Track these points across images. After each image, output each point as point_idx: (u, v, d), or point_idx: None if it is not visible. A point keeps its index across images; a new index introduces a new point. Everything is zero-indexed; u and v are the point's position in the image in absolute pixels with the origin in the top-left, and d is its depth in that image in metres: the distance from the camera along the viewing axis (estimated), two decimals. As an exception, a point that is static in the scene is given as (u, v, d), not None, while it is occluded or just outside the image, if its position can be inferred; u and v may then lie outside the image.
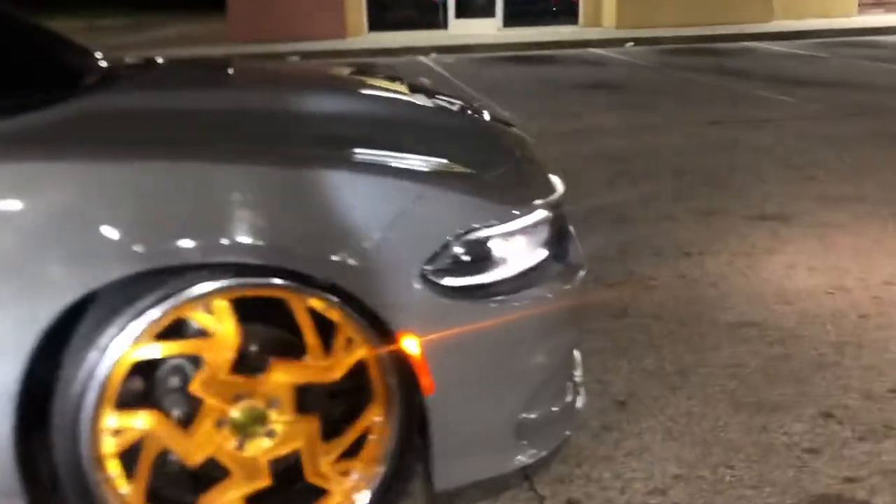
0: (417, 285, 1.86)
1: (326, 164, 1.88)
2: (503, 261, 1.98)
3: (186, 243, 1.74)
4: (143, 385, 1.88)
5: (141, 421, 1.84)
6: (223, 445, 1.89)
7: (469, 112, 2.71)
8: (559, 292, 2.10)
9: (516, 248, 2.02)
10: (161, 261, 1.73)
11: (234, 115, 2.11)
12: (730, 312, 3.54)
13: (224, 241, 1.76)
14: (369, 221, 1.84)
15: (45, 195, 1.69)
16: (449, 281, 1.90)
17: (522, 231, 2.02)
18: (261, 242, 1.78)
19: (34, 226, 1.68)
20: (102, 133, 1.88)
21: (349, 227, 1.83)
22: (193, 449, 1.88)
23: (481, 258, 1.94)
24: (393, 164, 1.96)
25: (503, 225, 1.97)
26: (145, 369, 1.87)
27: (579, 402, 2.35)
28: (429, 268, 1.87)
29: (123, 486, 1.84)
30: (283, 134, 2.09)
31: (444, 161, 2.08)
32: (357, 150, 1.98)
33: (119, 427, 1.83)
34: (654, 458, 2.52)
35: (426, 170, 1.99)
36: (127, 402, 1.84)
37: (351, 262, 1.83)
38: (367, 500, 2.00)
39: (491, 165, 2.20)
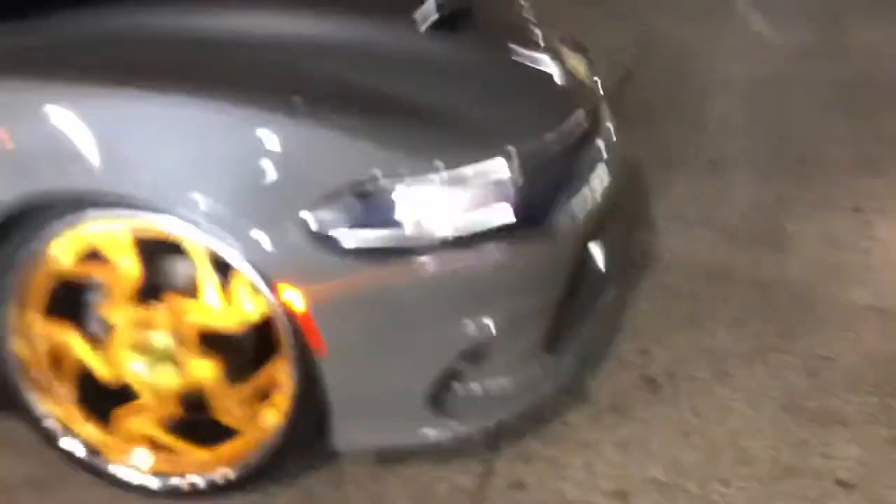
0: (298, 235, 1.72)
1: (199, 96, 1.77)
2: (413, 219, 1.77)
3: (73, 172, 1.76)
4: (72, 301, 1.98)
5: (58, 331, 1.96)
6: (131, 369, 1.96)
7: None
8: (507, 255, 1.85)
9: (435, 205, 1.79)
10: (55, 186, 1.78)
11: (172, 42, 2.05)
12: (861, 291, 2.90)
13: (108, 175, 1.75)
14: (246, 161, 1.73)
15: None
16: (340, 234, 1.74)
17: (448, 185, 1.79)
18: (140, 179, 1.75)
19: None
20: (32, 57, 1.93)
21: (222, 167, 1.74)
22: (104, 367, 1.97)
23: (382, 213, 1.75)
24: (276, 102, 1.77)
25: (415, 177, 1.75)
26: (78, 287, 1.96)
27: (548, 383, 2.10)
28: (313, 217, 1.72)
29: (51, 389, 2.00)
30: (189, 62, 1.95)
31: (379, 101, 1.87)
32: (263, 86, 1.83)
33: (41, 333, 1.96)
34: (645, 454, 2.18)
35: (324, 110, 1.80)
36: (57, 313, 1.96)
37: (225, 205, 1.74)
38: (273, 447, 1.96)
39: (447, 109, 1.94)
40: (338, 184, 1.72)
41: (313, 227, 1.72)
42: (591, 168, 2.18)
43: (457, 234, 1.81)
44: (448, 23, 2.33)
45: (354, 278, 1.76)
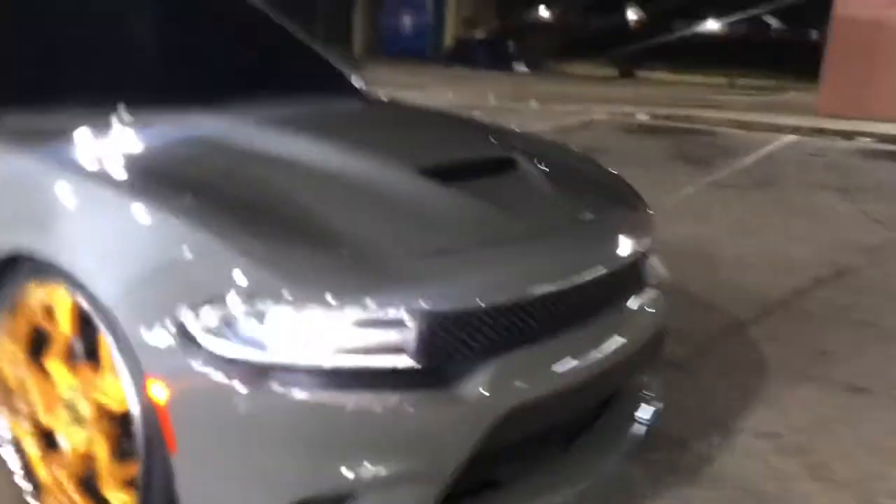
0: (172, 334, 1.77)
1: (125, 189, 1.96)
2: (281, 342, 1.74)
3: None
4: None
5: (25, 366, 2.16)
6: (58, 419, 2.11)
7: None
8: (385, 406, 1.75)
9: (310, 333, 1.75)
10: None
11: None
12: None
13: (50, 243, 1.97)
14: (148, 253, 1.83)
15: None
16: (209, 340, 1.76)
17: (333, 318, 1.75)
18: (72, 253, 1.93)
19: None
20: None
21: (127, 251, 1.86)
22: (44, 410, 2.15)
23: (253, 329, 1.75)
24: (187, 206, 1.86)
25: (292, 302, 1.73)
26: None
27: None
28: (191, 317, 1.77)
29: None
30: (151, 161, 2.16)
31: (304, 226, 1.89)
32: (203, 195, 1.93)
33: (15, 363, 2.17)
34: None
35: (229, 219, 1.85)
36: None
37: (119, 287, 1.85)
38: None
39: (382, 246, 1.90)
40: (219, 291, 1.75)
41: (188, 326, 1.76)
42: (574, 331, 2.09)
43: (329, 366, 1.76)
44: (481, 170, 2.34)
45: (215, 386, 1.76)
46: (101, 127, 2.34)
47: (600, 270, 2.23)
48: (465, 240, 2.03)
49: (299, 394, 1.73)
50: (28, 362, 2.14)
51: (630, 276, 2.40)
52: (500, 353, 1.93)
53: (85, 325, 1.95)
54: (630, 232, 2.45)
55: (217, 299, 1.73)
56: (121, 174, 2.04)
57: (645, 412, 2.53)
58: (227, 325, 1.74)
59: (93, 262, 1.88)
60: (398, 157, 2.34)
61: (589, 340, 2.15)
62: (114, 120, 2.41)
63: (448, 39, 26.37)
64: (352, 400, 1.75)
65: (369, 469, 1.78)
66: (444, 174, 2.25)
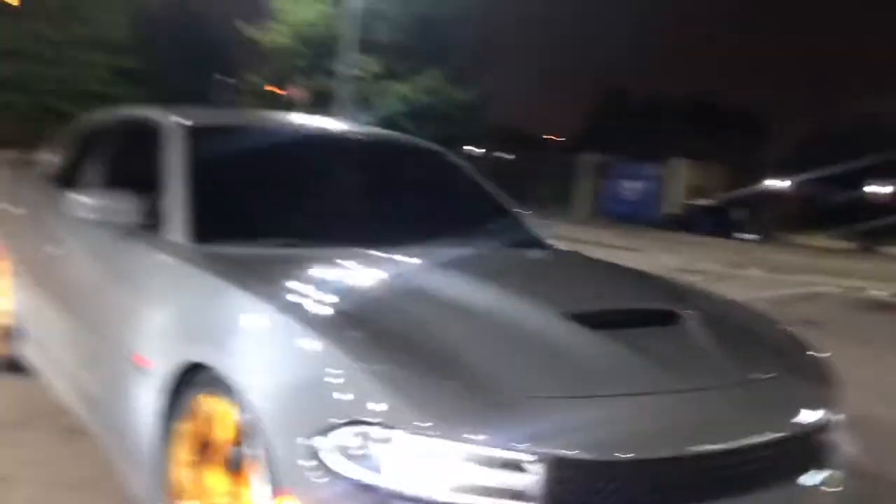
0: (306, 452, 1.83)
1: (295, 319, 2.09)
2: (411, 474, 1.76)
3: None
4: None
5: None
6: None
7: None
8: None
9: (443, 467, 1.75)
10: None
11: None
12: None
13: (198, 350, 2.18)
14: (300, 375, 1.95)
15: None
16: (337, 463, 1.81)
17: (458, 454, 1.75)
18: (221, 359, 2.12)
19: None
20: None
21: (282, 372, 1.98)
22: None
23: (380, 458, 1.78)
24: (347, 338, 1.97)
25: (417, 435, 1.76)
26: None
27: None
28: (323, 441, 1.83)
29: None
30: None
31: (443, 360, 1.94)
32: (346, 321, 2.07)
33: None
34: None
35: (365, 347, 1.93)
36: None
37: (270, 403, 1.96)
38: None
39: (517, 389, 1.90)
40: (352, 416, 1.81)
41: (319, 446, 1.82)
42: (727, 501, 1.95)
43: (446, 502, 1.75)
44: (638, 320, 2.31)
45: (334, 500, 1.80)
46: (291, 260, 2.60)
47: (763, 436, 2.06)
48: (606, 387, 1.98)
49: None
50: (196, 469, 2.30)
51: (803, 449, 2.19)
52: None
53: (241, 438, 2.09)
54: (804, 400, 2.26)
55: (349, 424, 1.80)
56: (296, 304, 2.20)
57: None
58: (354, 449, 1.80)
59: (253, 380, 2.03)
60: (551, 302, 2.36)
61: None
62: (304, 255, 2.66)
63: (672, 206, 26.27)
64: None
65: None
66: (595, 321, 2.24)
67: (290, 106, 25.65)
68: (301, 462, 1.83)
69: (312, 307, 2.16)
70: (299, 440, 1.84)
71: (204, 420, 2.23)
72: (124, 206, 2.80)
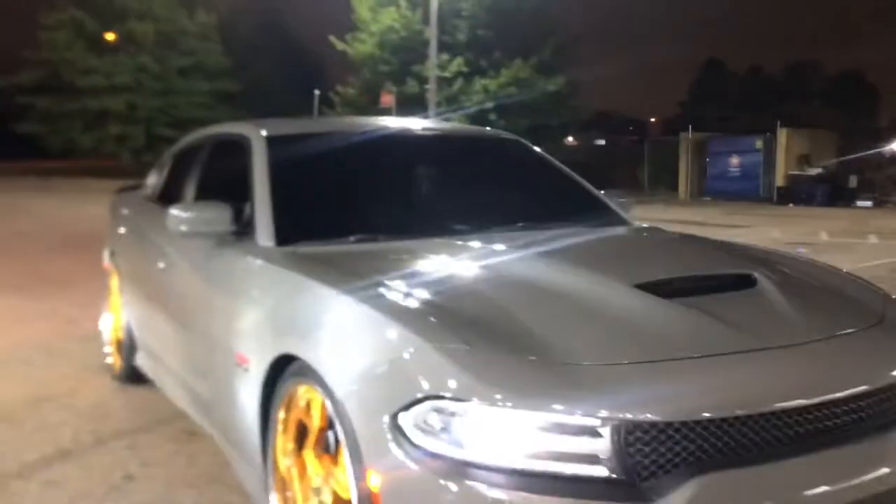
0: (388, 429, 1.90)
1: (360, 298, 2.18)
2: (488, 444, 1.81)
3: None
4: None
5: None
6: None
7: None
8: None
9: (504, 436, 1.79)
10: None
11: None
12: None
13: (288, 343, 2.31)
14: (379, 358, 2.02)
15: None
16: (418, 438, 1.87)
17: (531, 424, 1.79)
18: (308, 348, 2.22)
19: None
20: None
21: (363, 357, 2.06)
22: (300, 497, 2.39)
23: (458, 431, 1.83)
24: (423, 325, 2.03)
25: (491, 407, 1.80)
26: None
27: None
28: (404, 418, 1.89)
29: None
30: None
31: (514, 334, 1.98)
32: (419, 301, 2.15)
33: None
34: None
35: (438, 328, 1.98)
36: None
37: (353, 386, 2.04)
38: None
39: (584, 357, 1.92)
40: (430, 393, 1.87)
41: (402, 423, 1.89)
42: (811, 455, 1.93)
43: (522, 468, 1.78)
44: (713, 287, 2.29)
45: (420, 478, 1.84)
46: (368, 254, 2.71)
47: (846, 391, 2.01)
48: (675, 351, 1.97)
49: (494, 492, 1.77)
50: (295, 454, 2.41)
51: (891, 402, 2.12)
52: (711, 468, 1.81)
53: (332, 422, 2.18)
54: (889, 353, 2.19)
55: (428, 398, 1.86)
56: (372, 293, 2.27)
57: None
58: (433, 424, 1.85)
59: (336, 365, 2.13)
60: (622, 274, 2.37)
61: (833, 467, 1.92)
62: (380, 248, 2.76)
63: (779, 179, 25.27)
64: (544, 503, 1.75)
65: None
66: (667, 290, 2.24)
67: (382, 112, 26.14)
68: (385, 440, 1.90)
69: (388, 295, 2.23)
70: (383, 419, 1.91)
71: (299, 408, 2.33)
72: (216, 216, 2.97)
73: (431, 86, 22.10)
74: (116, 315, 4.66)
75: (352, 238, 2.85)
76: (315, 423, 2.27)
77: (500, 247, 2.74)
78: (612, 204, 3.69)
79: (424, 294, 2.23)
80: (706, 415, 1.84)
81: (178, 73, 34.48)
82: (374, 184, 3.30)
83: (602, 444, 1.78)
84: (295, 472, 2.41)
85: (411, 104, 25.44)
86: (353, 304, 2.21)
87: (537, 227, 3.12)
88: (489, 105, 25.27)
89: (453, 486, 1.80)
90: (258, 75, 39.11)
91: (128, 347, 4.39)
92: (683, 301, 2.20)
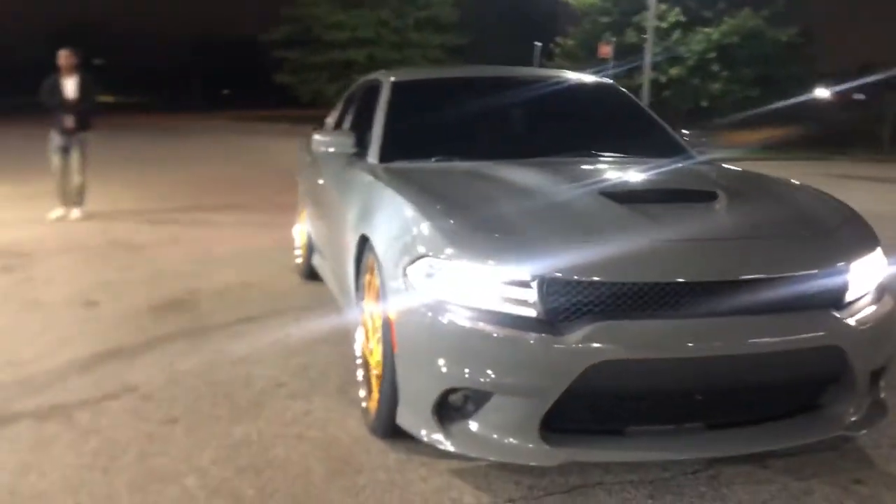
0: (400, 277, 2.85)
1: (397, 194, 3.16)
2: (459, 289, 2.70)
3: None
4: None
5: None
6: (371, 338, 3.35)
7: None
8: (515, 340, 2.62)
9: (479, 284, 2.66)
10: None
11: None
12: None
13: (364, 226, 3.31)
14: (397, 227, 3.02)
15: None
16: (417, 284, 2.79)
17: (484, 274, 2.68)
18: (368, 227, 3.24)
19: None
20: None
21: (390, 228, 3.04)
22: (371, 334, 3.42)
23: (442, 279, 2.75)
24: (423, 206, 2.97)
25: (460, 263, 2.70)
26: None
27: (529, 457, 2.64)
28: (410, 270, 2.83)
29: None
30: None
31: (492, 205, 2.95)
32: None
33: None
34: None
35: (438, 212, 2.89)
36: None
37: (383, 248, 3.05)
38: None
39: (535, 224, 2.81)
40: (425, 252, 2.76)
41: (408, 272, 2.80)
42: (703, 319, 2.61)
43: (482, 307, 2.66)
44: (675, 199, 3.03)
45: (417, 312, 2.75)
46: (437, 169, 3.67)
47: (737, 276, 2.67)
48: (597, 234, 2.73)
49: (463, 322, 2.66)
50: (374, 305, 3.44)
51: (796, 290, 2.72)
52: (608, 318, 2.57)
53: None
54: (810, 252, 2.80)
55: (424, 256, 2.78)
56: (411, 190, 3.21)
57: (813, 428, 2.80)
58: (426, 274, 2.76)
59: (381, 238, 3.11)
60: (599, 184, 3.15)
61: (716, 331, 2.60)
62: (450, 166, 3.69)
63: None
64: (496, 331, 2.61)
65: (502, 378, 2.61)
66: (623, 196, 3.01)
67: (600, 63, 26.36)
68: (398, 284, 2.86)
69: (420, 193, 3.15)
70: (399, 271, 2.86)
71: (372, 274, 3.36)
72: (343, 140, 4.06)
73: (649, 35, 22.03)
74: (302, 226, 5.98)
75: (433, 159, 3.80)
76: (375, 280, 3.28)
77: (536, 167, 3.55)
78: (682, 141, 4.32)
79: (446, 192, 3.15)
80: (607, 279, 2.58)
81: (414, 26, 36.53)
82: (464, 118, 4.19)
83: (531, 294, 2.61)
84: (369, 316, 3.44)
85: (629, 55, 25.45)
86: (395, 196, 3.18)
87: (594, 156, 3.90)
88: (711, 55, 24.62)
89: (437, 317, 2.71)
90: (485, 28, 40.35)
91: (308, 251, 5.68)
92: (632, 205, 2.93)
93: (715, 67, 24.81)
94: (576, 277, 2.60)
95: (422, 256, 2.79)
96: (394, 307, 2.90)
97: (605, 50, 25.83)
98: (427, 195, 3.14)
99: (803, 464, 3.02)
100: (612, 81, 4.81)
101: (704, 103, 26.02)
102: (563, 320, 2.60)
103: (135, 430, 3.26)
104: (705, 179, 3.65)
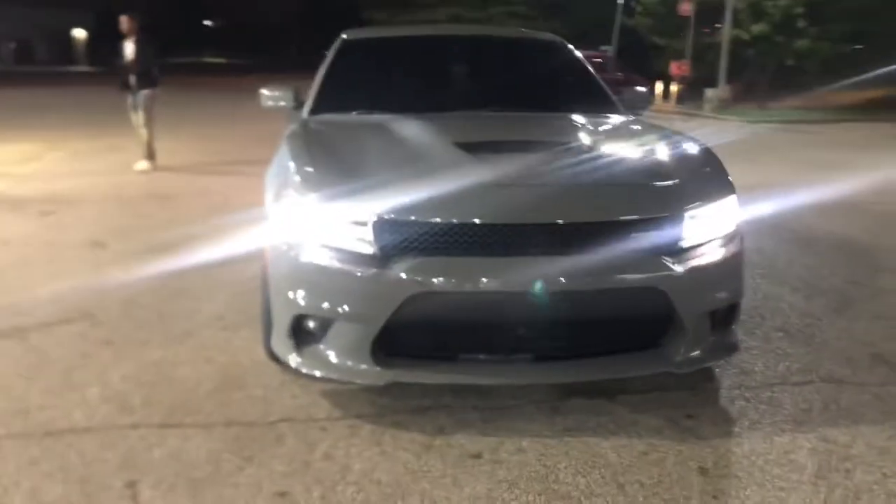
0: (275, 216, 3.20)
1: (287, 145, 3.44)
2: (308, 229, 2.99)
3: None
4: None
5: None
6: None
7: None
8: (354, 272, 2.90)
9: (325, 224, 2.94)
10: None
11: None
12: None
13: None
14: (283, 168, 3.31)
15: None
16: (282, 221, 3.13)
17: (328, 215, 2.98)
18: None
19: None
20: None
21: (275, 172, 3.36)
22: None
23: (296, 219, 3.05)
24: (298, 156, 3.27)
25: (309, 204, 2.99)
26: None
27: (362, 378, 2.94)
28: (279, 210, 3.17)
29: None
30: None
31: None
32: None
33: None
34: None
35: (306, 160, 3.18)
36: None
37: (273, 192, 3.37)
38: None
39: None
40: (286, 192, 3.11)
41: (279, 215, 3.15)
42: (522, 258, 2.84)
43: (326, 244, 2.96)
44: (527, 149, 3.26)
45: (278, 246, 3.10)
46: (349, 122, 3.95)
47: (558, 219, 2.88)
48: (434, 180, 2.97)
49: (311, 256, 2.96)
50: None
51: (621, 234, 2.90)
52: (429, 255, 2.83)
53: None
54: (639, 200, 2.97)
55: (286, 196, 3.09)
56: (301, 141, 3.52)
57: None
58: (287, 212, 3.06)
59: (268, 177, 3.47)
60: (460, 136, 3.42)
61: (527, 269, 2.82)
62: (363, 119, 3.97)
63: None
64: (337, 265, 2.91)
65: (341, 307, 2.91)
66: (475, 147, 3.26)
67: (681, 21, 25.67)
68: (271, 220, 3.17)
69: (307, 141, 3.47)
70: (271, 207, 3.19)
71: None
72: (282, 94, 4.39)
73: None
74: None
75: (355, 112, 4.09)
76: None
77: (435, 120, 3.79)
78: (613, 98, 4.46)
79: (335, 141, 3.48)
80: (428, 219, 2.83)
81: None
82: (398, 74, 4.46)
83: (367, 232, 2.89)
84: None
85: (711, 13, 24.68)
86: (284, 145, 3.50)
87: (506, 110, 4.12)
88: (798, 11, 23.57)
89: (291, 251, 3.01)
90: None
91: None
92: (480, 155, 3.19)
93: (801, 23, 23.76)
94: (402, 218, 2.86)
95: (284, 196, 3.10)
96: (266, 241, 3.23)
97: (686, 7, 25.15)
98: (312, 144, 3.45)
99: (650, 400, 3.22)
100: (559, 39, 4.94)
101: (790, 62, 25.02)
102: (394, 256, 2.87)
103: (72, 350, 3.74)
104: (582, 131, 3.85)
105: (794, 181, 9.73)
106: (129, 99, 9.36)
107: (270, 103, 4.47)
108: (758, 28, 23.99)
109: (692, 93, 26.03)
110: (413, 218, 2.86)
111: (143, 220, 6.69)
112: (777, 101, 26.10)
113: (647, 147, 3.59)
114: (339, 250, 2.94)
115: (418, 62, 4.58)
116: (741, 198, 3.27)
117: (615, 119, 4.23)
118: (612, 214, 2.94)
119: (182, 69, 36.06)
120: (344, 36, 4.73)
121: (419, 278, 2.80)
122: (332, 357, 2.99)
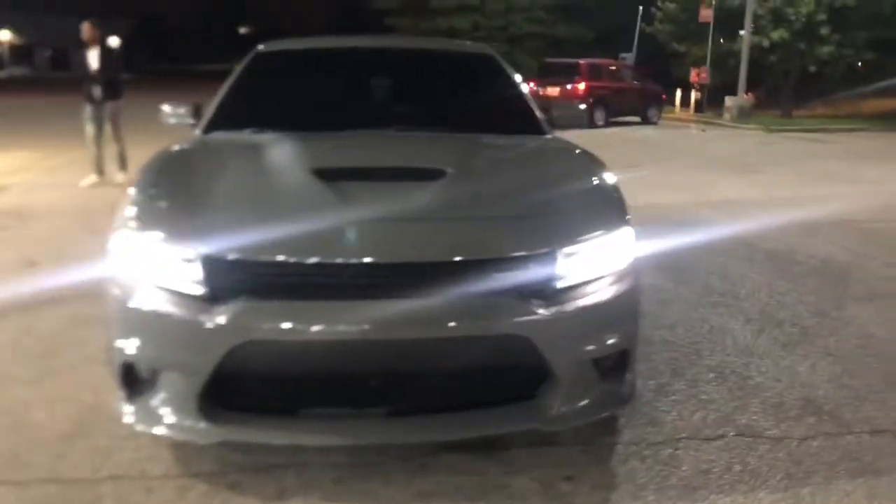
0: (114, 245, 2.89)
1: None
2: (139, 265, 2.69)
3: None
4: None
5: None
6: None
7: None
8: (173, 316, 2.56)
9: (155, 262, 2.62)
10: None
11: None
12: None
13: None
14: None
15: None
16: (119, 252, 2.82)
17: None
18: None
19: None
20: None
21: None
22: None
23: (129, 254, 2.73)
24: (146, 189, 2.97)
25: (142, 240, 2.69)
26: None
27: (194, 435, 2.61)
28: (118, 237, 2.85)
29: None
30: None
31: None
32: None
33: None
34: None
35: (150, 185, 2.90)
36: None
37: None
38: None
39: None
40: (124, 223, 2.79)
41: (111, 243, 2.84)
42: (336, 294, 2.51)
43: (154, 284, 2.64)
44: (395, 177, 2.93)
45: (108, 272, 2.81)
46: (235, 141, 3.63)
47: (397, 258, 2.55)
48: (276, 214, 2.66)
49: (135, 296, 2.62)
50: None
51: (479, 275, 2.55)
52: (260, 298, 2.50)
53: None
54: (504, 236, 2.63)
55: (121, 227, 2.76)
56: (160, 160, 3.29)
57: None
58: (119, 245, 2.73)
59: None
60: (320, 161, 3.12)
61: (369, 315, 2.47)
62: (255, 139, 3.61)
63: None
64: (162, 307, 2.57)
65: (163, 354, 2.60)
66: (334, 174, 2.92)
67: (701, 27, 25.10)
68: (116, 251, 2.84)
69: (160, 168, 3.19)
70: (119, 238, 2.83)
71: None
72: (181, 112, 4.10)
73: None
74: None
75: (247, 130, 3.76)
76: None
77: (317, 140, 3.51)
78: (539, 118, 4.09)
79: (192, 165, 3.21)
80: (261, 258, 2.51)
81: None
82: (301, 90, 4.13)
83: (197, 272, 2.56)
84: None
85: (732, 20, 24.09)
86: (144, 165, 3.21)
87: (415, 129, 3.76)
88: (820, 18, 22.88)
89: (117, 288, 2.69)
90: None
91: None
92: (336, 184, 2.82)
93: (824, 30, 23.06)
94: (230, 256, 2.54)
95: (119, 227, 2.80)
96: (104, 270, 2.90)
97: (706, 13, 24.60)
98: (166, 171, 3.17)
99: (533, 456, 2.88)
100: (490, 52, 4.59)
101: (813, 68, 24.31)
102: (222, 299, 2.55)
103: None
104: (477, 156, 3.48)
105: (794, 196, 9.27)
106: (87, 109, 9.08)
107: (173, 121, 4.18)
108: (777, 34, 23.33)
109: (713, 100, 25.45)
110: (239, 257, 2.54)
111: (92, 237, 6.46)
112: (803, 109, 25.41)
113: (539, 174, 3.25)
114: (169, 291, 2.62)
115: (329, 76, 4.27)
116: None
117: (528, 141, 3.85)
118: (466, 253, 2.59)
119: (208, 77, 36.24)
120: (259, 48, 4.41)
121: (244, 325, 2.48)
122: (161, 411, 2.67)
